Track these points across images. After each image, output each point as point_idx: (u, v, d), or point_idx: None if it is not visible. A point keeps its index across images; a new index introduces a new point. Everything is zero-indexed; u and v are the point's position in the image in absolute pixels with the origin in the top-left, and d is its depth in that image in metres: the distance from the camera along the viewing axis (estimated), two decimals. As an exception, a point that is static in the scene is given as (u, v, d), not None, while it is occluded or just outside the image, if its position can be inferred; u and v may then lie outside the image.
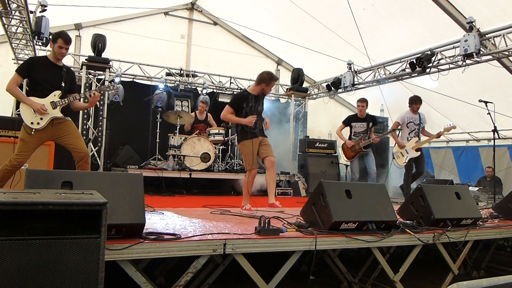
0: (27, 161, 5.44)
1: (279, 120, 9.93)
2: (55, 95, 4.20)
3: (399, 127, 6.57)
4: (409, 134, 6.55)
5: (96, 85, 8.09)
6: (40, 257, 1.60)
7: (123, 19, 9.43)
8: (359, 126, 6.94)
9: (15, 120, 5.69)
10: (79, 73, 8.12)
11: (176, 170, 7.31)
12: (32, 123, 4.08)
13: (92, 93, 4.37)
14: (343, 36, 8.53)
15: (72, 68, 4.77)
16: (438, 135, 6.49)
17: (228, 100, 10.04)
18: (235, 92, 10.19)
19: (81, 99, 4.60)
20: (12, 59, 7.96)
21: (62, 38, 4.12)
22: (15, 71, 4.23)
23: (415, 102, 6.54)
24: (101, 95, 4.97)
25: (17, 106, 7.92)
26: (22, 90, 7.23)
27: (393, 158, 6.65)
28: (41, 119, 4.11)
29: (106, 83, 7.86)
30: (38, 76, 4.16)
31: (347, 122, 7.07)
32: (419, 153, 6.45)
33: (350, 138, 6.97)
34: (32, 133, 4.10)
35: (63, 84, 4.25)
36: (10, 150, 5.33)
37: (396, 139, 6.64)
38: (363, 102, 6.90)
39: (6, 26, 6.34)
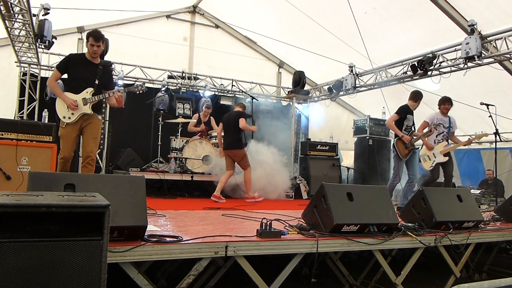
0: (30, 164, 5.49)
1: (280, 122, 9.94)
2: (87, 92, 4.47)
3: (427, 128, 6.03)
4: (436, 136, 6.08)
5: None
6: (43, 259, 1.61)
7: (125, 22, 9.46)
8: (410, 119, 6.16)
9: (18, 122, 5.72)
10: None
11: (178, 173, 7.31)
12: (64, 117, 4.41)
13: (115, 92, 4.60)
14: (344, 39, 8.54)
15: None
16: (469, 142, 6.11)
17: (231, 103, 10.17)
18: (236, 95, 10.23)
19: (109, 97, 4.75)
20: (15, 62, 7.99)
21: (92, 36, 4.38)
22: (55, 67, 4.60)
23: (444, 102, 6.10)
24: (136, 90, 5.06)
25: (20, 109, 8.04)
26: (24, 90, 7.21)
27: (419, 161, 6.13)
28: (72, 114, 4.42)
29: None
30: (74, 72, 4.47)
31: (404, 113, 6.13)
32: (447, 158, 5.99)
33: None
34: (64, 126, 4.42)
35: (96, 82, 4.49)
36: (12, 152, 5.36)
37: (424, 140, 6.04)
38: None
39: (9, 29, 6.37)
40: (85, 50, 4.71)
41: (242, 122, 6.47)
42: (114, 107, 4.96)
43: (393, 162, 6.25)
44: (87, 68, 4.49)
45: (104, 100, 4.76)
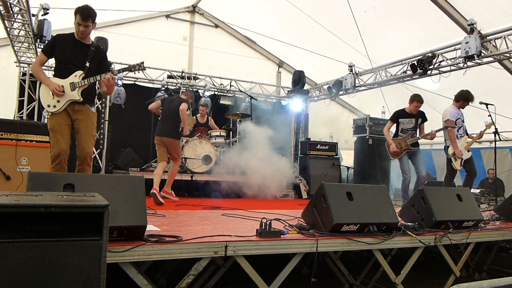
0: (30, 164, 5.44)
1: (280, 122, 9.95)
2: (76, 76, 3.81)
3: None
4: (458, 131, 6.01)
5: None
6: (42, 259, 1.61)
7: (125, 22, 9.47)
8: (407, 122, 6.32)
9: (17, 123, 5.72)
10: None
11: (178, 173, 7.29)
12: (48, 105, 3.75)
13: (104, 76, 3.83)
14: (344, 39, 8.54)
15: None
16: (481, 135, 6.12)
17: (230, 103, 10.17)
18: (236, 95, 10.23)
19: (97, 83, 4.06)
20: (14, 62, 7.99)
21: (79, 14, 3.68)
22: (41, 50, 3.96)
23: (466, 100, 6.02)
24: (135, 70, 4.23)
25: (20, 109, 8.03)
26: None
27: (450, 160, 6.01)
28: (58, 101, 3.74)
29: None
30: (61, 54, 3.83)
31: (395, 118, 6.41)
32: (470, 153, 6.05)
33: (396, 136, 6.36)
34: (49, 116, 3.79)
35: (87, 64, 3.85)
36: (12, 152, 5.37)
37: (453, 142, 5.90)
38: (420, 102, 6.23)
39: (8, 29, 6.37)
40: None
41: (183, 106, 5.72)
42: (104, 95, 4.36)
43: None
44: (76, 49, 3.85)
45: (96, 88, 4.17)
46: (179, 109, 5.70)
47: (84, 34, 3.81)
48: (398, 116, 6.38)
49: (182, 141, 7.76)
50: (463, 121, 6.13)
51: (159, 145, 5.87)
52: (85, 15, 3.69)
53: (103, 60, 4.08)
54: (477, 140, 6.38)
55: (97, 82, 3.90)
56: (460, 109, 6.14)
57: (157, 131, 5.92)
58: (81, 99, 3.81)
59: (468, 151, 6.05)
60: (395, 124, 6.42)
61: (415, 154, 6.25)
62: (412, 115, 6.28)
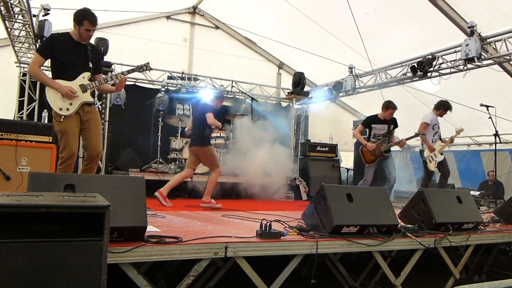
0: (30, 164, 5.43)
1: (280, 123, 9.95)
2: (84, 77, 3.83)
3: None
4: (433, 136, 6.38)
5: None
6: (43, 260, 1.61)
7: (125, 22, 9.47)
8: (380, 128, 6.48)
9: (17, 123, 5.71)
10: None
11: (175, 173, 7.29)
12: (60, 109, 3.71)
13: (119, 76, 3.93)
14: (344, 40, 8.55)
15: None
16: (452, 140, 6.46)
17: (230, 104, 10.16)
18: (236, 96, 10.22)
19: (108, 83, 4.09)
20: (15, 62, 7.98)
21: (88, 20, 3.73)
22: (36, 51, 3.84)
23: (446, 109, 6.38)
24: (142, 71, 4.33)
25: (20, 109, 8.03)
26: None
27: (426, 163, 6.37)
28: (71, 104, 3.74)
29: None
30: (62, 56, 3.78)
31: (367, 123, 6.60)
32: (443, 156, 6.39)
33: (368, 141, 6.51)
34: (62, 120, 3.71)
35: (90, 65, 3.88)
36: (12, 153, 5.36)
37: (427, 142, 6.31)
38: (395, 109, 6.39)
39: (9, 29, 6.38)
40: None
41: (209, 119, 5.54)
42: (104, 93, 4.43)
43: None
44: (77, 50, 3.84)
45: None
46: (209, 123, 5.58)
47: (89, 39, 3.89)
48: (371, 121, 6.56)
49: (183, 142, 7.75)
50: (439, 127, 6.48)
51: (191, 155, 5.82)
52: (94, 20, 3.77)
53: (99, 59, 4.14)
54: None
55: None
56: (439, 117, 6.48)
57: (190, 142, 6.02)
58: (93, 100, 3.92)
59: (441, 154, 6.38)
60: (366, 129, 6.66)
61: (388, 159, 6.48)
62: (385, 121, 6.48)
